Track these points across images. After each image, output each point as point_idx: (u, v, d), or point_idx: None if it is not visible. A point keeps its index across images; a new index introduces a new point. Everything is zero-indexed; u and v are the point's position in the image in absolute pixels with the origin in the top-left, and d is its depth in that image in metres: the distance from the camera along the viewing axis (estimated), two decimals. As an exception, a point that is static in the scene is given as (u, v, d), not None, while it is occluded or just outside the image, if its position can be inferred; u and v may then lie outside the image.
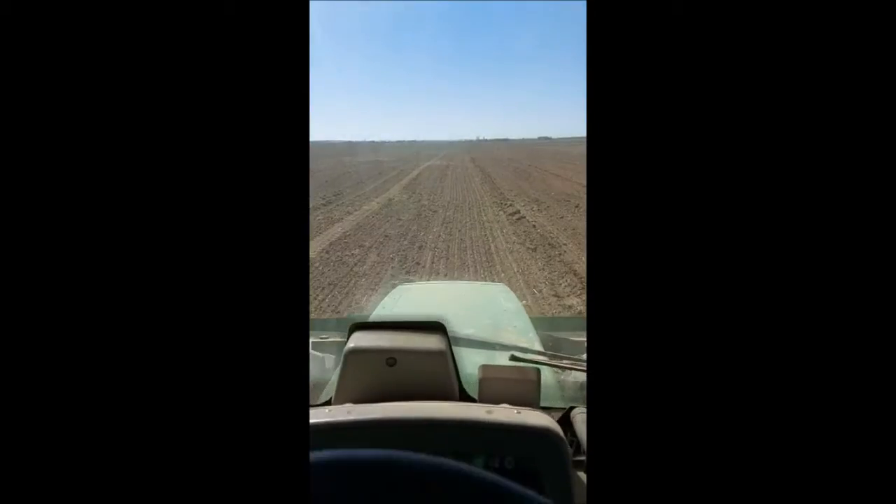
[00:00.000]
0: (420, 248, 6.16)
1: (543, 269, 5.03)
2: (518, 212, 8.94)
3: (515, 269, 5.05)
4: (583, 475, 0.56)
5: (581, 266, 5.11)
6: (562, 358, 0.78)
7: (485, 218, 8.54)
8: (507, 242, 6.42)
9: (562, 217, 8.37)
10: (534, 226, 7.47)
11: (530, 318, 1.35)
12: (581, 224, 7.53)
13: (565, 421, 0.63)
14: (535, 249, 5.91)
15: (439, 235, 6.96)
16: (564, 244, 6.17)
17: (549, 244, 6.18)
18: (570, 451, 0.55)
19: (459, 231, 7.29)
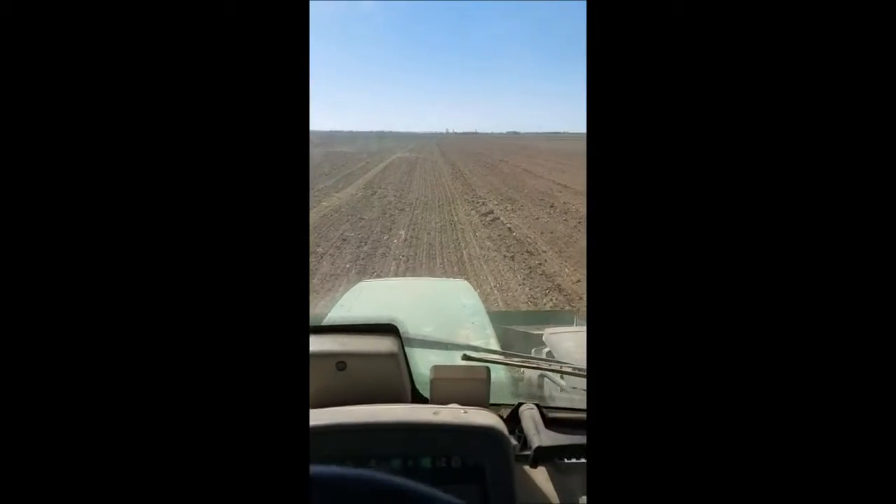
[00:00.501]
0: (383, 254, 5.40)
1: (524, 284, 4.40)
2: (491, 212, 8.31)
3: (493, 284, 4.40)
4: (528, 469, 0.57)
5: (565, 280, 4.52)
6: (513, 356, 0.78)
7: (456, 218, 7.85)
8: (481, 248, 5.77)
9: (537, 218, 7.81)
10: (509, 228, 6.86)
11: (489, 312, 1.35)
12: (558, 227, 6.99)
13: (514, 417, 0.63)
14: (512, 258, 5.29)
15: (405, 239, 6.22)
16: (544, 251, 5.58)
17: (528, 251, 5.57)
18: (517, 445, 0.57)
19: (428, 234, 6.57)
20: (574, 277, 4.56)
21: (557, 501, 0.56)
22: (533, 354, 1.09)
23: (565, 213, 8.21)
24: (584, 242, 6.21)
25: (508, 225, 7.12)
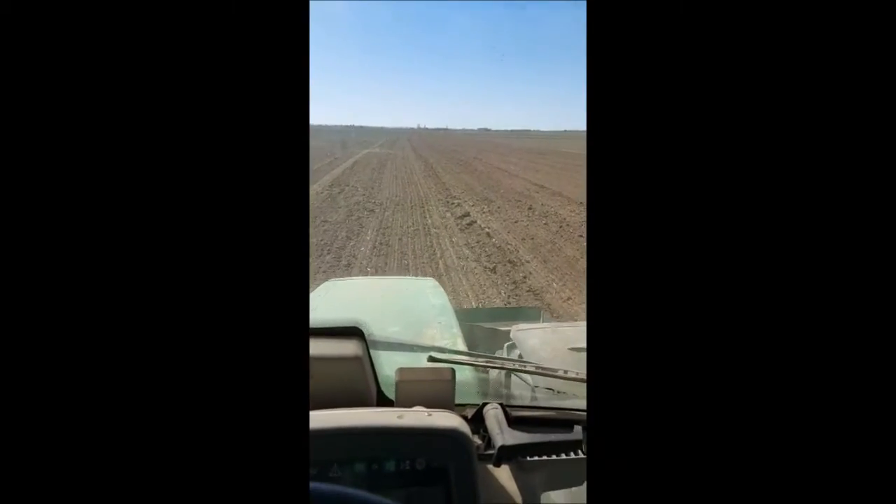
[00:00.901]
0: (348, 265, 4.77)
1: (510, 303, 3.90)
2: (468, 214, 7.78)
3: (475, 304, 3.87)
4: (492, 467, 0.57)
5: (554, 297, 4.05)
6: (478, 356, 0.77)
7: (430, 221, 7.28)
8: (458, 257, 5.22)
9: (516, 221, 7.36)
10: (488, 234, 6.35)
11: (457, 309, 1.38)
12: (539, 232, 6.56)
13: (479, 416, 0.62)
14: (493, 269, 4.77)
15: (374, 245, 5.60)
16: (527, 261, 5.11)
17: (510, 261, 5.08)
18: (482, 445, 0.58)
19: (400, 240, 5.97)
20: (563, 294, 4.10)
21: (520, 498, 0.57)
22: (497, 354, 1.11)
23: (545, 216, 7.80)
24: (568, 251, 5.83)
25: (487, 229, 6.61)
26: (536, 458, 0.57)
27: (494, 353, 1.18)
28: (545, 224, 7.16)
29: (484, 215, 7.79)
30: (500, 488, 0.57)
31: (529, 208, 8.47)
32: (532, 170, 16.32)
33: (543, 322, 2.01)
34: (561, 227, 6.90)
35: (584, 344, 1.00)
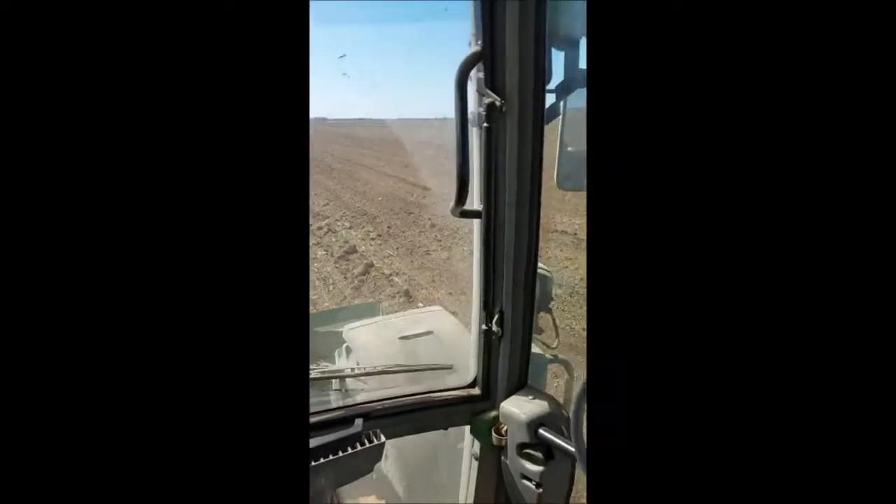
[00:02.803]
0: None
1: None
2: (353, 248, 5.00)
3: None
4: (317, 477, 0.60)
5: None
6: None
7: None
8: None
9: (428, 252, 4.95)
10: (406, 292, 3.76)
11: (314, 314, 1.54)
12: (464, 268, 4.27)
13: None
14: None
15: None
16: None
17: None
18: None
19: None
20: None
21: None
22: (336, 355, 1.28)
23: (460, 237, 5.55)
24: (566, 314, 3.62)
25: (396, 279, 4.01)
26: (323, 460, 0.58)
27: (333, 355, 1.33)
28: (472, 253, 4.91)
29: (376, 246, 5.14)
30: None
31: (433, 225, 6.11)
32: (398, 164, 13.93)
33: (380, 316, 2.05)
34: (498, 257, 4.73)
35: (412, 331, 1.19)
